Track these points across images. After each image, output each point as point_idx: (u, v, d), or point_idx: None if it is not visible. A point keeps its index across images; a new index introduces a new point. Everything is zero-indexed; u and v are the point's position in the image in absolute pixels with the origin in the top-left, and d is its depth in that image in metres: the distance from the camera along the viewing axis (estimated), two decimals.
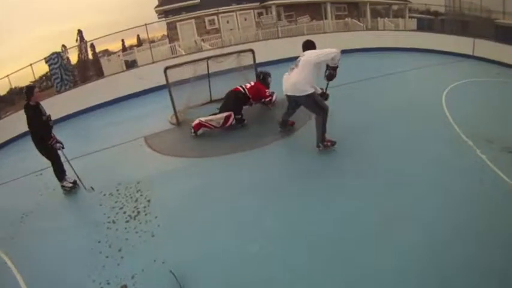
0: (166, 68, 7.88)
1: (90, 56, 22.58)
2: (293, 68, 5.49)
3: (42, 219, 5.21)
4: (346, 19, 21.34)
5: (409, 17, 21.46)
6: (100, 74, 18.63)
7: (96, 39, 16.53)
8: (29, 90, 5.55)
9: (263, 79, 7.84)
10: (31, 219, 5.29)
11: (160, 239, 4.16)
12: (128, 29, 14.62)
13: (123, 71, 14.54)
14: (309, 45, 5.69)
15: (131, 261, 3.84)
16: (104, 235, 4.39)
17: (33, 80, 14.51)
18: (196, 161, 6.23)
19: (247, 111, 7.53)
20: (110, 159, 7.02)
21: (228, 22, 21.59)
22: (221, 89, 9.03)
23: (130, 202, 5.07)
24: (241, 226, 4.18)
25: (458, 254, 3.27)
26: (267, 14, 22.15)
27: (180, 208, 4.80)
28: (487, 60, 10.93)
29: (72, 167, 5.80)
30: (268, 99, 7.69)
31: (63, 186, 5.85)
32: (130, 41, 25.20)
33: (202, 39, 20.07)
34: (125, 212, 4.83)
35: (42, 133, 5.56)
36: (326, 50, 5.24)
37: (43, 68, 13.79)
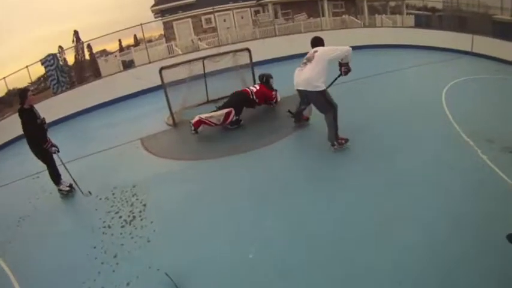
0: (161, 69, 7.83)
1: (87, 57, 22.54)
2: (305, 64, 5.48)
3: (38, 224, 5.18)
4: (344, 16, 21.25)
5: (407, 14, 21.38)
6: (97, 74, 18.58)
7: (92, 39, 16.43)
8: (22, 93, 5.49)
9: (266, 82, 7.88)
10: (28, 223, 5.25)
11: (155, 244, 4.10)
12: (124, 29, 14.51)
13: (120, 72, 14.44)
14: (318, 42, 5.74)
15: (126, 268, 3.78)
16: (100, 240, 4.33)
17: (30, 82, 14.49)
18: (192, 164, 6.16)
19: (246, 110, 7.49)
20: (106, 162, 6.95)
21: (224, 21, 21.51)
22: (218, 88, 9.01)
23: (126, 206, 5.02)
24: (238, 231, 4.11)
25: (458, 254, 3.23)
26: (263, 12, 22.08)
27: (175, 212, 4.73)
28: (486, 57, 10.85)
29: (68, 170, 5.75)
30: (274, 100, 7.87)
31: (60, 190, 5.80)
32: (128, 40, 25.16)
33: (199, 38, 19.99)
34: (120, 217, 4.77)
35: (37, 137, 5.51)
36: (339, 47, 5.33)
37: (40, 69, 13.71)
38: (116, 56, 20.53)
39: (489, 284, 2.92)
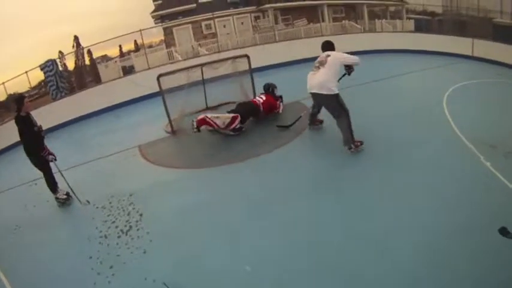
0: (159, 76, 7.75)
1: (88, 62, 22.56)
2: (318, 67, 5.59)
3: (35, 232, 5.12)
4: (344, 21, 21.29)
5: (407, 18, 21.38)
6: (98, 80, 18.59)
7: (93, 45, 16.47)
8: (18, 100, 5.42)
9: (272, 92, 7.93)
10: (24, 231, 5.20)
11: (151, 255, 4.01)
12: (123, 35, 14.52)
13: (119, 78, 14.42)
14: (329, 46, 5.90)
15: (122, 279, 3.71)
16: (96, 251, 4.26)
17: (30, 87, 14.48)
18: (190, 173, 6.10)
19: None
20: (104, 169, 6.89)
21: (224, 26, 21.55)
22: (217, 95, 8.95)
23: (123, 216, 4.94)
24: (236, 241, 4.03)
25: (461, 261, 3.19)
26: (263, 17, 22.15)
27: (172, 223, 4.64)
28: (486, 61, 10.76)
29: (65, 178, 5.69)
30: (278, 110, 7.87)
31: (57, 198, 5.73)
32: (129, 46, 25.19)
33: (199, 44, 20.00)
34: (117, 227, 4.69)
35: (34, 144, 5.44)
36: (351, 56, 5.62)
37: (41, 74, 13.66)
38: (116, 61, 20.55)
39: None
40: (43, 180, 5.77)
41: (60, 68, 13.98)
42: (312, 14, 21.79)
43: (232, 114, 6.98)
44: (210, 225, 4.44)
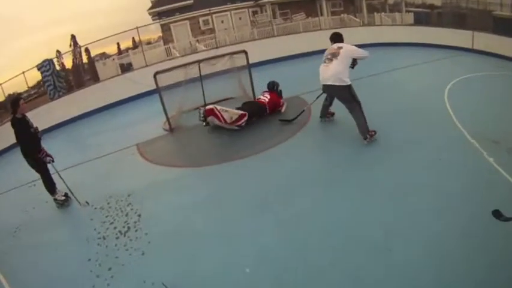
0: (156, 74, 7.66)
1: (85, 60, 22.46)
2: (331, 59, 5.64)
3: (35, 234, 5.11)
4: (342, 15, 21.14)
5: (406, 11, 21.21)
6: (96, 78, 18.51)
7: (89, 43, 16.31)
8: (14, 102, 5.36)
9: (276, 90, 7.92)
10: (24, 233, 5.20)
11: (150, 257, 3.97)
12: (119, 33, 14.42)
13: (117, 76, 14.36)
14: (339, 38, 5.99)
15: (121, 282, 3.68)
16: (94, 252, 4.22)
17: (28, 87, 14.41)
18: (189, 171, 6.05)
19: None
20: (102, 169, 6.85)
21: (222, 22, 21.41)
22: (215, 91, 8.88)
23: (121, 217, 4.89)
24: (235, 243, 3.96)
25: (465, 259, 3.15)
26: (261, 12, 21.99)
27: (171, 223, 4.58)
28: (487, 54, 10.65)
29: (63, 180, 5.65)
30: (281, 108, 7.84)
31: (55, 200, 5.70)
32: (127, 43, 25.05)
33: (197, 40, 19.89)
34: (115, 228, 4.65)
35: (31, 146, 5.39)
36: (362, 50, 5.75)
37: (39, 74, 13.61)
38: (113, 59, 20.45)
39: None
40: (41, 182, 5.72)
41: (58, 67, 13.91)
42: (310, 8, 21.63)
43: (241, 112, 6.96)
44: (209, 225, 4.39)
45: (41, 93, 17.87)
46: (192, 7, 20.78)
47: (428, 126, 6.00)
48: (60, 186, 5.73)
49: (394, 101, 7.30)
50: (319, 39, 14.54)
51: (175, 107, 8.27)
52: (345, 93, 5.58)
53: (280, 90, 8.06)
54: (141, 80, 12.07)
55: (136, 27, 13.81)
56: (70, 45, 21.24)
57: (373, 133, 5.63)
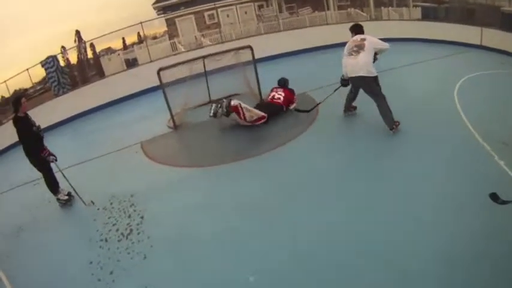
0: (159, 70, 7.56)
1: (91, 56, 22.41)
2: (358, 51, 5.69)
3: (37, 234, 5.12)
4: (349, 9, 20.87)
5: (413, 6, 20.89)
6: (101, 73, 18.47)
7: (94, 39, 16.28)
8: (16, 101, 5.32)
9: (287, 86, 7.83)
10: (27, 233, 5.20)
11: (152, 262, 3.90)
12: (123, 28, 14.39)
13: (121, 71, 14.30)
14: (359, 29, 6.09)
15: (122, 286, 3.63)
16: (96, 255, 4.18)
17: (33, 83, 14.43)
18: (193, 171, 5.95)
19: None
20: (105, 168, 6.82)
21: (228, 16, 21.23)
22: (220, 87, 8.78)
23: (124, 218, 4.84)
24: (239, 249, 3.85)
25: (475, 264, 3.05)
26: (267, 6, 21.79)
27: (174, 227, 4.49)
28: (496, 51, 10.38)
29: (66, 179, 5.62)
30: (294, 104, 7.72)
31: (58, 199, 5.68)
32: (132, 38, 24.95)
33: (203, 35, 19.76)
34: (117, 230, 4.60)
35: (34, 145, 5.36)
36: (384, 42, 5.78)
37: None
38: (118, 54, 20.36)
39: None
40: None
41: (63, 63, 13.88)
42: (316, 2, 21.37)
43: (262, 113, 6.90)
44: (213, 229, 4.27)
45: (47, 88, 17.97)
46: (197, 1, 20.61)
47: (437, 126, 5.81)
48: (63, 185, 5.70)
49: (402, 100, 6.85)
50: (326, 34, 14.45)
51: (179, 103, 8.18)
52: (373, 84, 5.67)
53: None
54: (145, 76, 12.01)
55: (140, 22, 13.73)
56: (75, 41, 21.19)
57: (397, 123, 5.69)
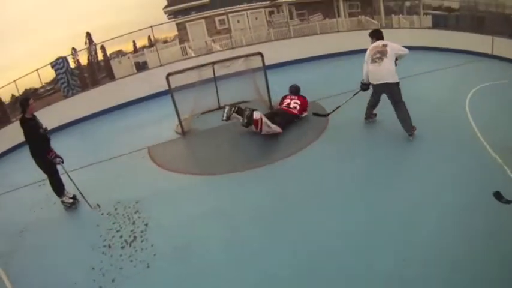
0: (168, 75, 7.50)
1: (101, 58, 22.60)
2: (381, 58, 5.74)
3: (40, 237, 5.07)
4: (360, 17, 20.80)
5: (424, 14, 20.76)
6: (111, 76, 18.59)
7: (105, 41, 16.40)
8: (23, 102, 5.31)
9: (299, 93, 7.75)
10: (30, 234, 5.17)
11: (155, 271, 3.82)
12: (134, 31, 14.44)
13: (131, 75, 14.33)
14: (379, 34, 6.19)
15: None
16: (99, 261, 4.12)
17: (43, 83, 14.53)
18: (200, 180, 5.83)
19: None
20: (111, 172, 6.77)
21: (238, 22, 21.28)
22: (230, 94, 8.71)
23: (128, 225, 4.76)
24: (244, 261, 3.74)
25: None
26: (278, 12, 21.80)
27: (178, 236, 4.39)
28: (508, 60, 10.23)
29: (73, 181, 5.58)
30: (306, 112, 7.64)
31: (63, 202, 5.65)
32: (143, 41, 25.13)
33: (213, 40, 19.79)
34: (121, 236, 4.53)
35: (40, 147, 5.35)
36: (404, 48, 5.86)
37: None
38: (129, 57, 20.49)
39: None
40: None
41: (73, 65, 13.94)
42: (327, 9, 21.35)
43: (279, 130, 6.77)
44: (220, 240, 4.15)
45: (56, 89, 18.12)
46: (208, 6, 20.70)
47: (449, 139, 5.66)
48: (69, 188, 5.67)
49: (413, 111, 6.76)
50: (337, 42, 14.37)
51: (188, 109, 8.13)
52: (397, 89, 5.70)
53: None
54: (155, 80, 12.01)
55: (151, 26, 13.77)
56: (85, 43, 21.40)
57: (414, 128, 5.73)
